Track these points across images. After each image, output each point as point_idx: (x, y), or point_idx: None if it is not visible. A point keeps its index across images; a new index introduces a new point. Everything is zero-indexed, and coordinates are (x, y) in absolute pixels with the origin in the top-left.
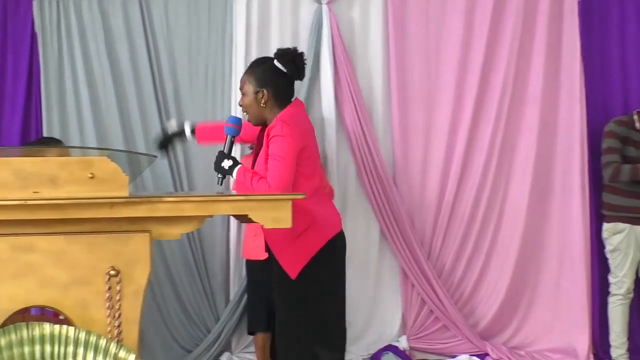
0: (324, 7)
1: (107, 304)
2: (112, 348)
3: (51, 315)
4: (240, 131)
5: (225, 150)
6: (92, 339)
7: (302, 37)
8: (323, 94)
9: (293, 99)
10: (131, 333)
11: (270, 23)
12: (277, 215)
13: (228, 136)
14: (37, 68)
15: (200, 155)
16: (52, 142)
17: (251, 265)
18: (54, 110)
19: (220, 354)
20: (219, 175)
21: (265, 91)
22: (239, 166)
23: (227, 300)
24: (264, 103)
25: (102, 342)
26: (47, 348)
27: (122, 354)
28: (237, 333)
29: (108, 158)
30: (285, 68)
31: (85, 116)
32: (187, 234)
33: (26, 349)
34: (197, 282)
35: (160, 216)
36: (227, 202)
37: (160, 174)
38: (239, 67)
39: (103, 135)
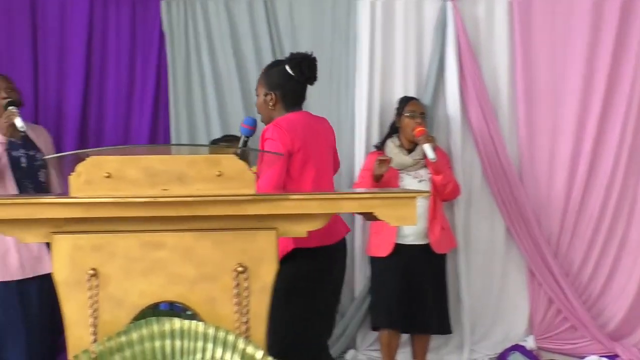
0: (449, 5)
1: (235, 300)
2: (240, 344)
3: (179, 310)
4: (254, 132)
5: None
6: (221, 334)
7: (426, 35)
8: (448, 92)
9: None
10: (258, 329)
11: (394, 21)
12: (402, 214)
13: (242, 136)
14: (165, 68)
15: None
16: (236, 140)
17: (376, 262)
18: (181, 110)
19: (344, 351)
20: None
21: (273, 94)
22: None
23: (352, 297)
24: (272, 105)
25: (231, 338)
26: (177, 343)
27: (249, 349)
28: (362, 330)
29: (235, 156)
30: (293, 72)
31: (212, 115)
32: None
33: (157, 343)
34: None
35: (286, 214)
36: (353, 199)
37: None
38: (363, 66)
39: (230, 133)
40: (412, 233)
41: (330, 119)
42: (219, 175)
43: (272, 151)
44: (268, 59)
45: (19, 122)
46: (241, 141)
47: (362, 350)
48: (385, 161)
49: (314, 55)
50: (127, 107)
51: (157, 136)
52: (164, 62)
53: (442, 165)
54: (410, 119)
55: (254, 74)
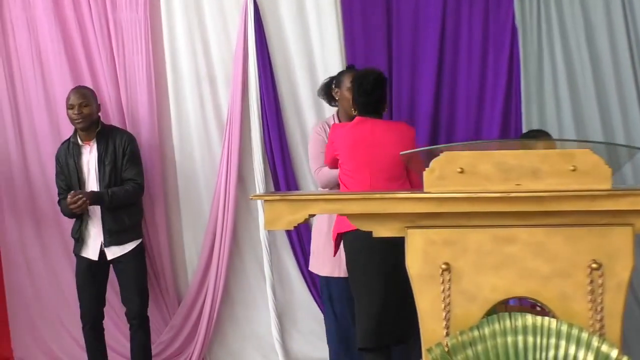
0: None
1: (589, 297)
2: (594, 342)
3: (528, 306)
4: None
5: None
6: (574, 331)
7: None
8: None
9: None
10: (614, 327)
11: None
12: None
13: None
14: (517, 63)
15: None
16: (541, 135)
17: None
18: (533, 105)
19: None
20: None
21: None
22: None
23: None
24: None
25: (584, 335)
26: (530, 339)
27: (604, 348)
28: None
29: (590, 150)
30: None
31: (564, 110)
32: None
33: (509, 339)
34: None
35: None
36: None
37: None
38: None
39: (582, 128)
40: None
41: None
42: (573, 170)
43: None
44: (624, 53)
45: None
46: None
47: None
48: None
49: None
50: (478, 103)
51: (508, 131)
52: (516, 57)
53: None
54: None
55: (609, 69)
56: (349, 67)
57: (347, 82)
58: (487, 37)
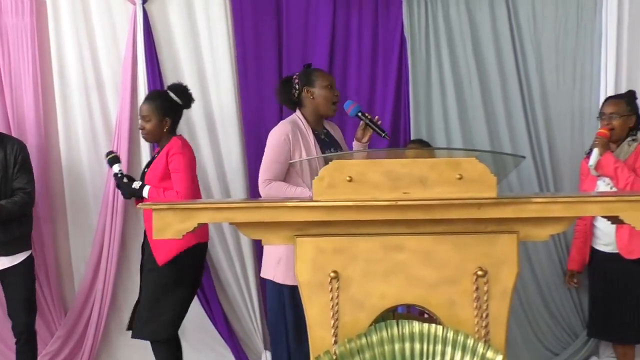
0: None
1: (475, 304)
2: (480, 348)
3: (416, 313)
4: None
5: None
6: (460, 338)
7: None
8: None
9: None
10: (498, 334)
11: None
12: None
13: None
14: (405, 71)
15: (567, 155)
16: (422, 146)
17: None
18: (421, 113)
19: (587, 358)
20: None
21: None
22: (147, 187)
23: None
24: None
25: (470, 342)
26: (417, 346)
27: (489, 354)
28: None
29: (476, 159)
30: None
31: (452, 118)
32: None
33: (396, 346)
34: (563, 284)
35: (528, 217)
36: (598, 202)
37: (526, 174)
38: (610, 63)
39: (469, 136)
40: (609, 242)
41: (574, 117)
42: (459, 179)
43: None
44: (509, 61)
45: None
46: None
47: (603, 358)
48: None
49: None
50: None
51: (397, 139)
52: (404, 65)
53: (613, 170)
54: (600, 121)
55: (495, 78)
56: (308, 66)
57: (321, 81)
58: (377, 45)
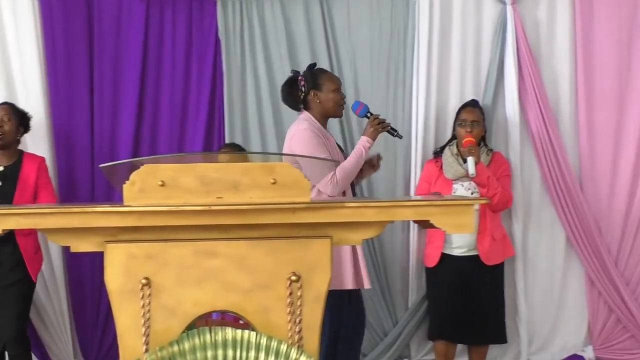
0: (509, 8)
1: (288, 309)
2: (293, 354)
3: (231, 319)
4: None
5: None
6: (273, 344)
7: (484, 37)
8: (507, 97)
9: None
10: (312, 339)
11: (452, 24)
12: (459, 221)
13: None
14: (220, 74)
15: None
16: (235, 149)
17: (427, 272)
18: (236, 116)
19: (397, 359)
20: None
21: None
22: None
23: (406, 306)
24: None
25: (283, 348)
26: (230, 352)
27: (302, 359)
28: (416, 339)
29: (290, 164)
30: None
31: (267, 121)
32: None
33: (209, 353)
34: (376, 287)
35: (342, 222)
36: (409, 207)
37: None
38: (421, 68)
39: (283, 140)
40: (462, 245)
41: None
42: (273, 183)
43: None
44: (324, 62)
45: None
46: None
47: (417, 359)
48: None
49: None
50: (182, 114)
51: (211, 143)
52: (219, 68)
53: (485, 179)
54: (461, 127)
55: None
56: (313, 66)
57: (329, 85)
58: (191, 45)
